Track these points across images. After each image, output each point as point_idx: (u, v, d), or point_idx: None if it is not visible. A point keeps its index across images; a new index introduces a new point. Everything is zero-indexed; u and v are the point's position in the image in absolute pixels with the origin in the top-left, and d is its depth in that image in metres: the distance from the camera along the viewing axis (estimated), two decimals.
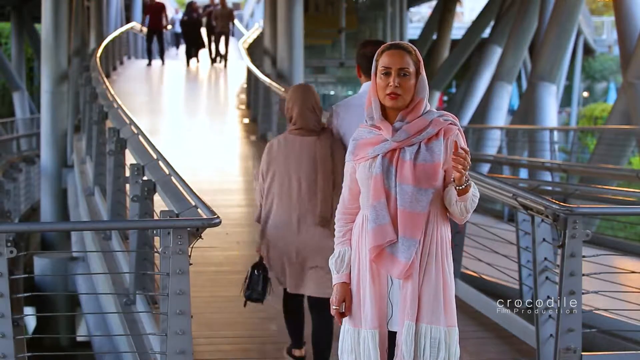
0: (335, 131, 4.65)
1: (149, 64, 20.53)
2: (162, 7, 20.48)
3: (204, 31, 21.18)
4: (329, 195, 4.51)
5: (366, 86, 4.61)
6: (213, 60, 20.97)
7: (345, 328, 3.15)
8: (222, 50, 20.72)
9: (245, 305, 4.91)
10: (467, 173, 2.97)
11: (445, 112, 3.12)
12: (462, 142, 3.05)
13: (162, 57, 20.73)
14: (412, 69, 3.05)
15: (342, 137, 4.64)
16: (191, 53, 20.87)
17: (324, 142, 4.58)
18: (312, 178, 4.54)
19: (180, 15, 25.08)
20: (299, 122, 4.61)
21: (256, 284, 4.78)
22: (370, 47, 4.55)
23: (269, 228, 4.64)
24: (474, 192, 3.03)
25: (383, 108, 3.09)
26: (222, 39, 20.59)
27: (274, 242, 4.62)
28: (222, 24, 20.42)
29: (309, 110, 4.62)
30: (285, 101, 4.77)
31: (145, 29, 21.08)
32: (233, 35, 22.73)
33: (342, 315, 3.15)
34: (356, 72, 4.72)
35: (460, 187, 2.97)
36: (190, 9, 21.16)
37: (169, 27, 23.81)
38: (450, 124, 3.07)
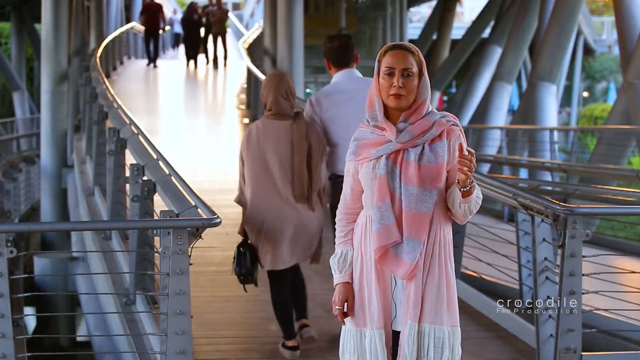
0: (319, 120, 5.05)
1: (149, 64, 20.41)
2: (159, 8, 20.23)
3: (202, 32, 21.00)
4: (305, 173, 4.88)
5: (337, 77, 5.18)
6: (212, 62, 20.62)
7: (347, 328, 3.15)
8: (219, 51, 20.37)
9: (244, 289, 5.16)
10: (471, 175, 2.97)
11: (447, 113, 3.12)
12: (464, 143, 3.06)
13: (155, 58, 20.34)
14: (415, 69, 3.05)
15: (327, 125, 5.05)
16: (190, 55, 20.66)
17: (299, 126, 4.93)
18: (289, 158, 4.89)
19: (178, 16, 25.09)
20: (275, 108, 4.95)
21: (244, 259, 5.05)
22: (337, 42, 5.18)
23: (251, 207, 4.94)
24: (477, 194, 3.04)
25: (385, 109, 3.09)
26: (219, 40, 20.29)
27: (257, 219, 4.93)
28: (218, 24, 20.18)
29: (283, 97, 4.95)
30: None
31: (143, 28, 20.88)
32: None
33: (345, 315, 3.15)
34: (327, 67, 5.16)
35: (465, 189, 2.97)
36: (191, 9, 21.01)
37: (167, 28, 23.67)
38: (452, 124, 3.08)
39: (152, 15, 19.96)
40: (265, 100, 5.00)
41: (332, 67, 5.20)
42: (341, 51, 5.19)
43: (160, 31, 20.62)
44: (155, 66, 20.19)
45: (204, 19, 20.94)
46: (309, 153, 4.91)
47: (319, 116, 5.09)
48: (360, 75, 5.27)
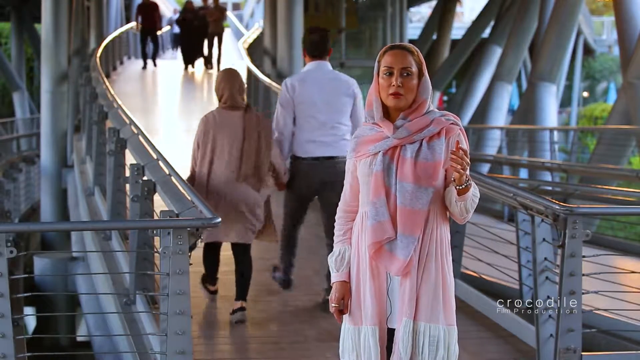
0: (290, 104, 5.76)
1: (144, 67, 19.72)
2: (155, 7, 19.62)
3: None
4: (253, 157, 5.63)
5: (310, 66, 5.84)
6: (204, 61, 19.75)
7: (346, 327, 3.15)
8: (214, 51, 19.39)
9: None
10: (467, 173, 2.97)
11: (447, 112, 3.13)
12: (464, 142, 3.06)
13: (154, 59, 19.86)
14: (414, 69, 3.06)
15: (296, 107, 5.76)
16: (187, 58, 19.69)
17: (250, 116, 5.69)
18: (239, 144, 5.63)
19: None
20: (229, 101, 5.70)
21: None
22: (315, 34, 5.84)
23: (207, 186, 5.62)
24: (474, 193, 3.04)
25: (385, 109, 3.10)
26: (215, 40, 19.29)
27: (210, 196, 5.54)
28: (215, 24, 19.14)
29: (236, 91, 5.70)
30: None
31: (138, 28, 20.05)
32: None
33: (341, 313, 3.15)
34: (303, 55, 5.90)
35: (460, 187, 2.98)
36: (186, 10, 20.06)
37: (167, 28, 23.21)
38: (452, 123, 3.08)
39: (149, 15, 19.27)
40: (222, 93, 5.72)
41: (307, 56, 5.87)
42: (318, 44, 5.83)
43: (158, 31, 20.07)
44: (155, 65, 19.82)
45: (196, 21, 19.88)
46: (259, 139, 5.65)
47: (291, 97, 5.77)
48: (331, 67, 5.91)
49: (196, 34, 19.47)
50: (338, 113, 5.77)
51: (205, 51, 19.66)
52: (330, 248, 5.59)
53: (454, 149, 2.94)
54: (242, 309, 5.67)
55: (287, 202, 6.01)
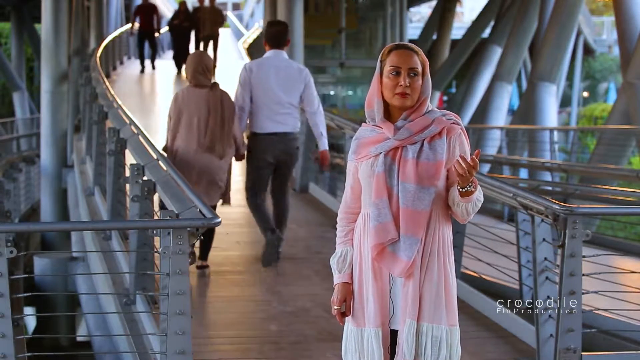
0: (248, 85, 6.57)
1: (142, 70, 18.90)
2: (153, 8, 18.83)
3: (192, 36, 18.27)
4: (217, 130, 6.33)
5: (269, 54, 6.73)
6: None
7: (349, 329, 3.15)
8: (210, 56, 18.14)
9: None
10: (473, 179, 2.96)
11: (448, 112, 3.12)
12: (465, 142, 3.06)
13: (152, 61, 19.12)
14: (419, 69, 3.06)
15: (253, 87, 6.58)
16: (179, 62, 17.93)
17: (214, 93, 6.39)
18: (205, 118, 6.34)
19: None
20: (194, 81, 6.43)
21: None
22: (275, 27, 6.87)
23: (177, 153, 6.35)
24: (478, 197, 3.03)
25: (385, 109, 3.09)
26: (211, 44, 17.70)
27: (180, 165, 6.20)
28: (210, 26, 17.59)
29: (200, 73, 6.41)
30: None
31: (133, 30, 19.11)
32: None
33: (343, 315, 3.15)
34: (264, 44, 6.82)
35: (462, 190, 2.97)
36: (178, 11, 18.58)
37: (165, 29, 22.21)
38: (453, 123, 3.08)
39: (146, 16, 18.46)
40: (187, 74, 6.50)
41: (267, 45, 6.76)
42: (277, 36, 6.76)
43: (157, 33, 19.08)
44: (153, 68, 19.24)
45: (186, 23, 18.06)
46: (222, 114, 6.37)
47: (249, 78, 6.59)
48: (287, 57, 6.83)
49: (184, 37, 18.01)
50: (291, 95, 6.65)
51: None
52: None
53: (460, 157, 2.92)
54: (206, 266, 6.70)
55: (248, 174, 6.75)
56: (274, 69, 6.64)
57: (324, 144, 6.92)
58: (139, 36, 18.82)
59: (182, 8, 18.43)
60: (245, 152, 6.69)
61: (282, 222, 6.89)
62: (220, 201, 6.60)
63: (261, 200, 6.73)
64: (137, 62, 20.94)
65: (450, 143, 3.05)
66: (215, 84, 6.48)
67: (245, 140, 6.72)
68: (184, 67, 8.46)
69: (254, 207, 6.75)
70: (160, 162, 5.57)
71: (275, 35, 6.77)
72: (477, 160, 2.93)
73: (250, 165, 6.70)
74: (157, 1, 33.00)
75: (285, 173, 6.77)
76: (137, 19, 18.53)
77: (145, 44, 18.73)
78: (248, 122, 6.69)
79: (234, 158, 6.64)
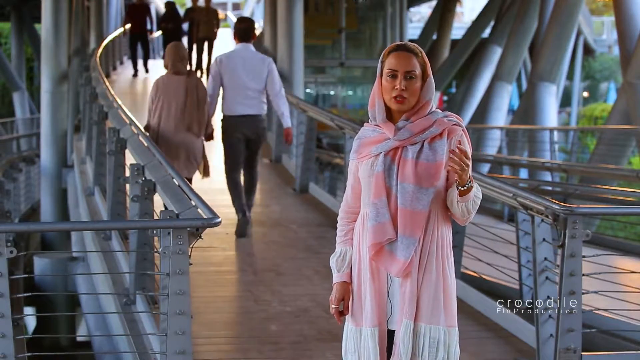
0: (218, 74, 7.48)
1: (135, 74, 17.79)
2: (146, 9, 17.78)
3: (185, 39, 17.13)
4: (194, 112, 7.25)
5: (238, 47, 7.63)
6: (197, 70, 16.74)
7: (348, 328, 3.15)
8: (204, 59, 16.67)
9: None
10: (470, 174, 2.96)
11: (450, 113, 3.12)
12: (466, 143, 3.06)
13: (145, 64, 17.92)
14: (418, 71, 3.05)
15: (222, 76, 7.50)
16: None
17: (191, 80, 7.31)
18: (182, 101, 7.25)
19: None
20: (172, 69, 7.35)
21: None
22: (244, 24, 7.72)
23: (158, 134, 7.22)
24: (476, 194, 3.03)
25: (387, 109, 3.09)
26: (205, 46, 16.66)
27: (163, 141, 7.13)
28: (206, 27, 16.51)
29: (177, 61, 7.34)
30: None
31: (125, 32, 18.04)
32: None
33: (341, 314, 3.15)
34: (234, 38, 7.72)
35: (462, 188, 2.97)
36: (169, 13, 17.31)
37: (159, 33, 20.94)
38: (455, 124, 3.07)
39: (138, 18, 17.33)
40: (167, 62, 7.40)
41: (236, 39, 7.66)
42: (245, 31, 7.65)
43: (150, 35, 17.81)
44: (147, 71, 17.85)
45: (171, 24, 17.05)
46: (197, 98, 7.27)
47: (219, 70, 7.50)
48: (254, 49, 7.72)
49: (172, 39, 15.42)
50: (257, 82, 7.58)
51: (194, 59, 16.91)
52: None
53: (451, 150, 2.94)
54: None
55: (225, 152, 7.72)
56: (242, 60, 7.57)
57: (286, 122, 7.88)
58: (130, 39, 17.75)
59: (167, 9, 17.38)
60: (214, 133, 7.73)
61: (251, 189, 7.92)
62: (198, 174, 7.59)
63: (237, 178, 7.70)
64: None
65: (451, 144, 3.04)
66: (192, 72, 7.48)
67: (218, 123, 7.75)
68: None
69: (232, 184, 7.71)
70: (160, 162, 5.57)
71: (243, 30, 7.68)
72: (464, 149, 2.94)
73: (225, 144, 7.67)
74: (157, 2, 33.04)
75: (254, 149, 7.73)
76: (128, 21, 17.52)
77: (139, 46, 17.66)
78: (221, 106, 7.68)
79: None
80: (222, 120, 7.63)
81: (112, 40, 18.48)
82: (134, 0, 18.00)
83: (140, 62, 18.04)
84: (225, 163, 7.71)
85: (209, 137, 7.63)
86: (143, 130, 6.71)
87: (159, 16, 23.75)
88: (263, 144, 7.89)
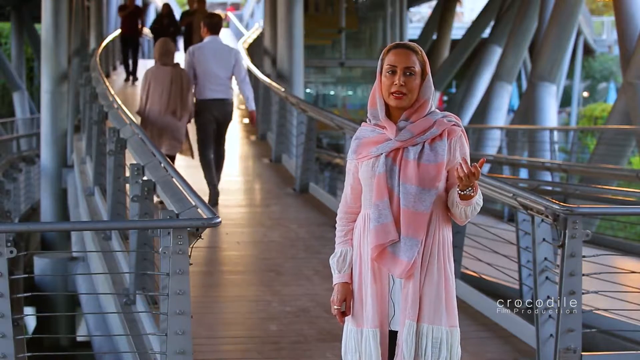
0: (191, 64, 8.49)
1: (127, 79, 16.69)
2: (138, 11, 16.69)
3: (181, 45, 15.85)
4: (178, 98, 8.34)
5: (208, 39, 8.64)
6: None
7: (349, 328, 3.15)
8: None
9: None
10: (474, 184, 2.95)
11: (449, 113, 3.12)
12: (465, 144, 3.06)
13: (134, 72, 16.55)
14: (417, 68, 3.05)
15: (195, 66, 8.51)
16: None
17: (176, 70, 8.44)
18: (169, 89, 8.33)
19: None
20: (160, 61, 8.48)
21: None
22: (214, 19, 8.83)
23: (147, 117, 8.37)
24: (477, 201, 3.02)
25: (387, 108, 3.09)
26: None
27: (150, 124, 8.31)
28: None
29: (164, 54, 8.49)
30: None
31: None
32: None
33: (343, 314, 3.15)
34: (204, 31, 8.74)
35: (463, 193, 2.97)
36: (161, 14, 16.19)
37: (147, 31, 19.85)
38: (454, 125, 3.08)
39: (130, 20, 16.32)
40: (156, 55, 8.55)
41: (207, 32, 8.66)
42: (215, 25, 8.69)
43: (140, 38, 16.80)
44: (135, 79, 16.48)
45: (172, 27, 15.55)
46: (181, 86, 8.36)
47: (191, 61, 8.51)
48: (222, 40, 8.71)
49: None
50: (225, 70, 8.58)
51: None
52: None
53: (461, 161, 2.91)
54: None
55: (198, 131, 8.70)
56: (212, 50, 8.57)
57: (251, 106, 8.92)
58: (121, 42, 16.75)
59: (165, 11, 16.00)
60: (194, 115, 8.70)
61: (220, 164, 8.96)
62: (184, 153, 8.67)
63: (209, 155, 8.69)
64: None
65: (451, 145, 3.05)
66: (177, 64, 8.54)
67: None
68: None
69: (204, 160, 8.71)
70: (160, 162, 5.57)
71: (213, 24, 8.71)
72: (479, 169, 2.92)
73: (198, 124, 8.68)
74: (158, 3, 33.02)
75: (223, 129, 8.80)
76: (119, 22, 16.14)
77: (130, 51, 16.59)
78: (193, 91, 8.60)
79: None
80: (194, 104, 8.59)
81: (113, 40, 18.47)
82: (125, 1, 16.80)
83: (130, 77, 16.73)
84: (198, 142, 8.69)
85: (189, 120, 8.75)
86: (136, 112, 8.03)
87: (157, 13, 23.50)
88: (230, 124, 8.99)
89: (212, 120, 8.61)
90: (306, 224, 8.43)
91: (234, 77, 8.68)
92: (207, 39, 8.68)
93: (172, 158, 8.43)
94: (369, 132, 3.12)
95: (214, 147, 8.75)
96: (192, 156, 8.73)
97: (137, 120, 7.94)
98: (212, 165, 8.72)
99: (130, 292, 5.54)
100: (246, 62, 15.90)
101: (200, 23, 17.00)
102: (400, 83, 3.03)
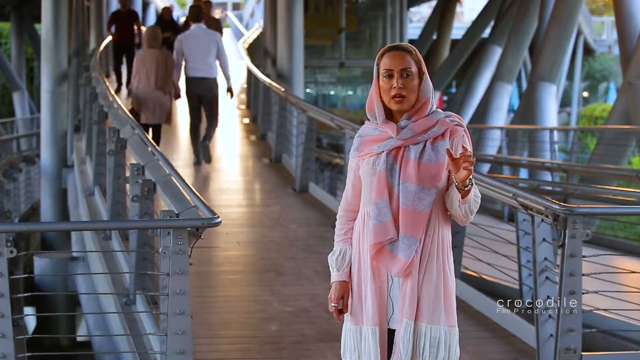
0: (180, 50, 10.16)
1: (118, 90, 14.55)
2: (133, 16, 15.06)
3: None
4: (164, 75, 9.98)
5: (193, 27, 10.38)
6: None
7: (347, 327, 3.15)
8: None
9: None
10: (471, 175, 2.96)
11: (451, 113, 3.12)
12: (468, 144, 3.06)
13: (127, 82, 12.99)
14: (414, 69, 3.05)
15: (183, 50, 10.17)
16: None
17: (162, 52, 10.10)
18: (155, 68, 9.96)
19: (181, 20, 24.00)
20: (148, 44, 10.09)
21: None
22: (196, 9, 10.65)
23: (137, 93, 10.01)
24: (475, 193, 3.03)
25: (387, 111, 3.09)
26: None
27: (140, 99, 9.98)
28: None
29: (152, 39, 10.10)
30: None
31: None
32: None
33: (340, 312, 3.15)
34: (189, 20, 10.89)
35: (465, 188, 2.96)
36: (162, 20, 14.86)
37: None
38: (456, 124, 3.08)
39: (124, 26, 14.69)
40: (145, 41, 10.21)
41: (191, 21, 10.47)
42: (197, 14, 10.44)
43: (136, 46, 14.56)
44: (128, 93, 13.49)
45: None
46: (166, 66, 10.00)
47: (180, 47, 10.15)
48: (205, 27, 10.45)
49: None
50: (208, 53, 10.27)
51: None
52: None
53: (462, 152, 2.92)
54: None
55: (188, 104, 10.51)
56: (196, 37, 10.27)
57: (229, 83, 10.47)
58: (114, 49, 15.35)
59: (166, 17, 14.85)
60: (180, 93, 10.31)
61: (210, 132, 10.58)
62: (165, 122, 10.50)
63: (197, 124, 10.50)
64: None
65: (453, 145, 3.05)
66: (163, 47, 10.35)
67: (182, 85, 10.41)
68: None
69: (192, 128, 10.58)
70: (160, 162, 5.57)
71: (196, 14, 10.48)
72: (466, 147, 2.95)
73: (187, 100, 10.48)
74: (158, 3, 33.00)
75: (210, 103, 10.45)
76: (113, 29, 14.87)
77: (124, 59, 14.93)
78: (183, 71, 10.22)
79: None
80: (185, 81, 10.34)
81: (106, 48, 18.39)
82: (119, 6, 15.21)
83: (124, 76, 14.82)
84: (189, 113, 10.58)
85: (177, 96, 10.27)
86: (128, 89, 10.41)
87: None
88: (216, 98, 10.48)
89: (199, 95, 10.36)
90: (306, 224, 8.43)
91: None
92: (193, 27, 10.43)
93: (159, 127, 10.21)
94: (372, 130, 3.12)
95: (207, 118, 10.49)
96: (170, 122, 11.32)
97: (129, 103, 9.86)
98: (199, 130, 10.52)
99: (130, 292, 5.54)
100: (246, 61, 15.96)
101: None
102: (399, 85, 3.03)
